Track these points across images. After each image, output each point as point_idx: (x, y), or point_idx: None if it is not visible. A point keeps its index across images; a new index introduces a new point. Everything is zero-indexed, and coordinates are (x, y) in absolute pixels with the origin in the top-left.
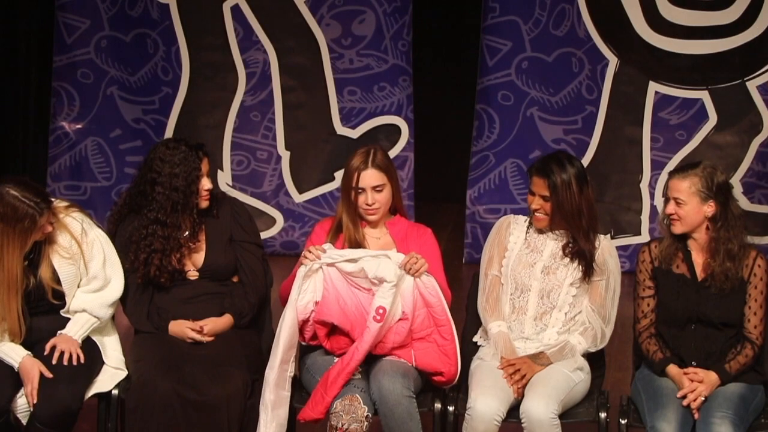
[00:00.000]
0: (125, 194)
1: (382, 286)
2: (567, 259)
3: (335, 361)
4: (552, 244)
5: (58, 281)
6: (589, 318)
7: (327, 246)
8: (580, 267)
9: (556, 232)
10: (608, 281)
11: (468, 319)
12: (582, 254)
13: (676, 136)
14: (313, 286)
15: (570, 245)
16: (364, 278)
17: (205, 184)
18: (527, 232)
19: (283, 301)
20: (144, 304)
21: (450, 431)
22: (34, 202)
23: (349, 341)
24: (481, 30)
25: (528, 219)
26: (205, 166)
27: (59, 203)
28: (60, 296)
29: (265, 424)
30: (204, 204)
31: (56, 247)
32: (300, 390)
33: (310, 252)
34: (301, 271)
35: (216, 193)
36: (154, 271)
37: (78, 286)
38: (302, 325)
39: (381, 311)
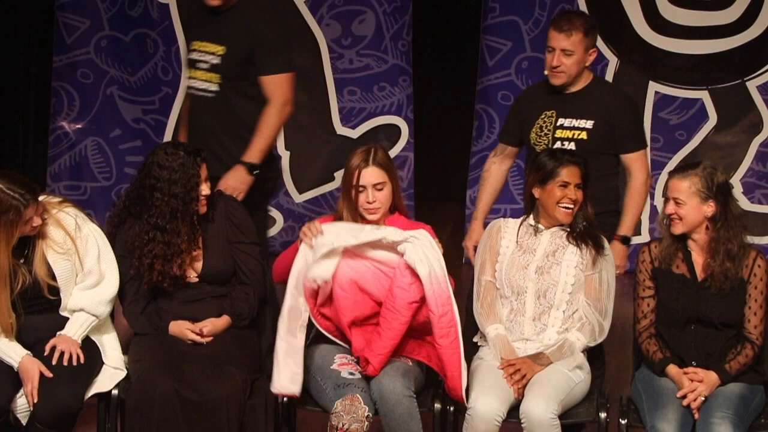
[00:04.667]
0: (123, 197)
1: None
2: (567, 253)
3: (335, 360)
4: (545, 243)
5: (53, 277)
6: (585, 313)
7: (326, 227)
8: (591, 247)
9: (551, 229)
10: (601, 274)
11: (468, 319)
12: (588, 233)
13: (676, 136)
14: (326, 266)
15: (576, 231)
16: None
17: (204, 189)
18: (518, 235)
19: (277, 275)
20: (142, 306)
21: (450, 431)
22: (18, 193)
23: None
24: (481, 30)
25: (522, 220)
26: (203, 173)
27: (52, 198)
28: (56, 292)
29: (278, 374)
30: (202, 210)
31: (50, 242)
32: (302, 391)
33: (309, 230)
34: (304, 249)
35: (212, 195)
36: (157, 276)
37: (75, 283)
38: (311, 295)
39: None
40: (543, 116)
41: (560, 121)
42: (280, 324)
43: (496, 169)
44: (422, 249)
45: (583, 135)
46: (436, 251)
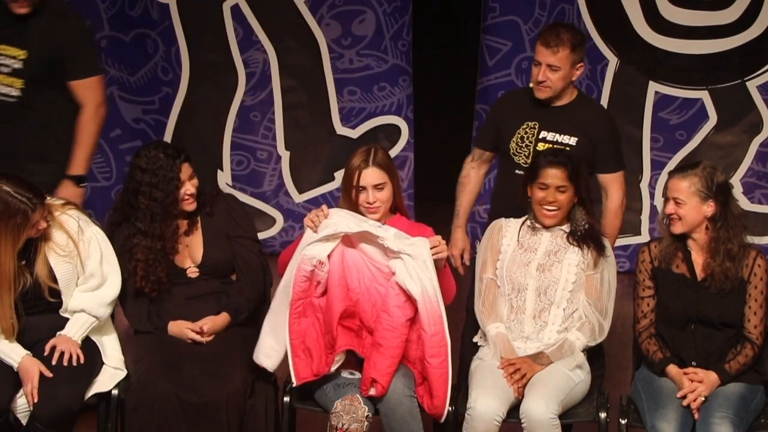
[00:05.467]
0: (117, 199)
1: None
2: (569, 252)
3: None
4: (546, 242)
5: (54, 279)
6: (586, 312)
7: (333, 211)
8: (592, 248)
9: (552, 229)
10: (602, 274)
11: (468, 319)
12: (589, 235)
13: (676, 136)
14: (323, 246)
15: (577, 234)
16: (380, 251)
17: (188, 188)
18: (519, 233)
19: (282, 267)
20: (143, 305)
21: (450, 431)
22: (26, 197)
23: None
24: (481, 30)
25: (524, 220)
26: (185, 173)
27: (55, 201)
28: (57, 295)
29: (258, 346)
30: (190, 207)
31: (52, 244)
32: (302, 391)
33: (317, 217)
34: (309, 234)
35: (207, 191)
36: (140, 281)
37: (76, 285)
38: (304, 282)
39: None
40: (525, 126)
41: (542, 134)
42: (274, 298)
43: (475, 174)
44: (415, 268)
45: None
46: (429, 270)
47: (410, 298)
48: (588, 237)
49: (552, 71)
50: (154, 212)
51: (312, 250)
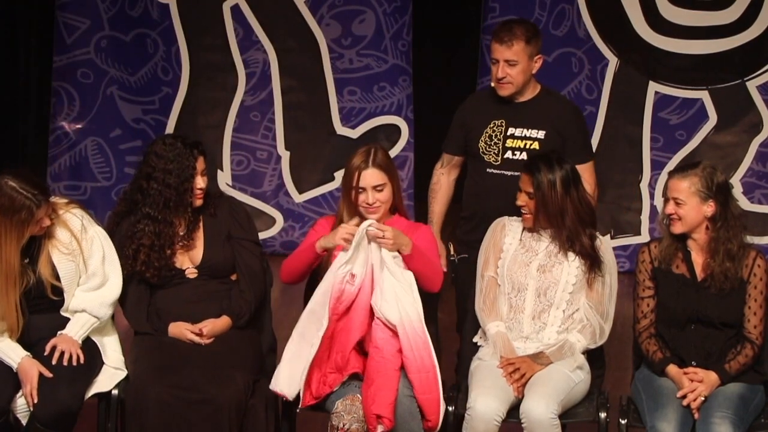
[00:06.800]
0: (125, 191)
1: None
2: (570, 254)
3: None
4: (548, 243)
5: (57, 277)
6: (587, 315)
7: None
8: (585, 261)
9: (550, 230)
10: (604, 278)
11: (468, 319)
12: (582, 252)
13: (676, 136)
14: (362, 260)
15: (576, 249)
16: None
17: (199, 182)
18: (522, 233)
19: (286, 274)
20: (143, 305)
21: (450, 431)
22: (31, 193)
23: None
24: (481, 30)
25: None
26: (200, 165)
27: (59, 200)
28: (60, 293)
29: (278, 372)
30: (197, 202)
31: (55, 242)
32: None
33: (350, 234)
34: (342, 255)
35: (212, 192)
36: (140, 265)
37: (78, 284)
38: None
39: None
40: (492, 125)
41: (510, 130)
42: (297, 324)
43: (445, 180)
44: (395, 289)
45: (536, 145)
46: (414, 296)
47: (396, 333)
48: (587, 256)
49: (510, 66)
50: (168, 198)
51: (344, 269)
